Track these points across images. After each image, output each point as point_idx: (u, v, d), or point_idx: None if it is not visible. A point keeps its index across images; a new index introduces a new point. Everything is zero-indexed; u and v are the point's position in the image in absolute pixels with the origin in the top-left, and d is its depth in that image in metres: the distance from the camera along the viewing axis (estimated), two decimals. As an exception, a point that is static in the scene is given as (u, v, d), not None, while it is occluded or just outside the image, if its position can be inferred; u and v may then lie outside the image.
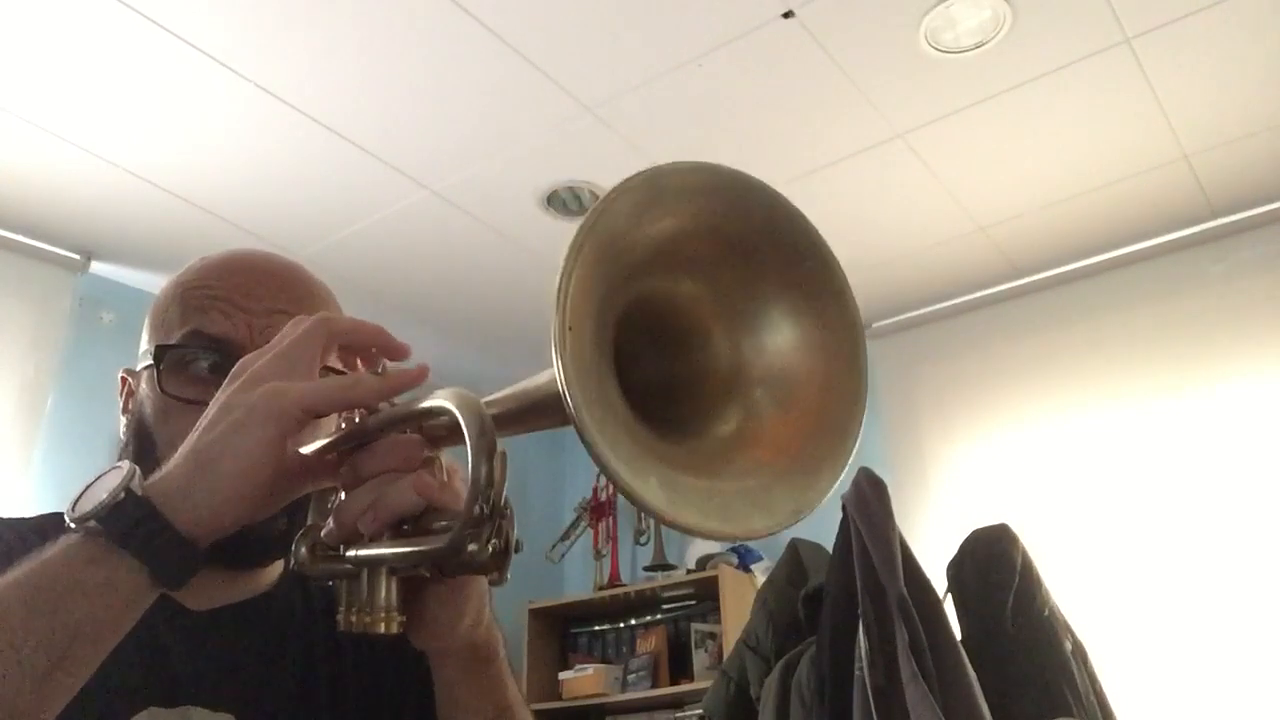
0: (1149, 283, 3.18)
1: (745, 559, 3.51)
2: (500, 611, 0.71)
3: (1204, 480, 2.87)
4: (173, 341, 0.79)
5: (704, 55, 2.34)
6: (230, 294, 0.79)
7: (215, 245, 0.87)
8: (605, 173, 2.76)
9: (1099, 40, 2.32)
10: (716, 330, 0.58)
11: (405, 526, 0.59)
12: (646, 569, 3.77)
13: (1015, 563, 1.85)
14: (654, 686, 3.42)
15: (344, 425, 0.63)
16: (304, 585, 0.85)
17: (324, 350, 0.62)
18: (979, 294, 3.45)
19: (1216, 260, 3.08)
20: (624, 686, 3.49)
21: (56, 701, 0.52)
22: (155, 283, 3.16)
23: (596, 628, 3.79)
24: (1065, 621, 1.87)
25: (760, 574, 3.31)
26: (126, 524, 0.54)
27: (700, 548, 3.61)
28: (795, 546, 2.19)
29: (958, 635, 1.74)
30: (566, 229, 2.98)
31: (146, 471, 0.58)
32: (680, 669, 3.46)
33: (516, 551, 0.56)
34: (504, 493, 0.54)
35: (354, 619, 0.60)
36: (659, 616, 3.63)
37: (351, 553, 0.60)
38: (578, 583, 4.05)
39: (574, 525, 4.01)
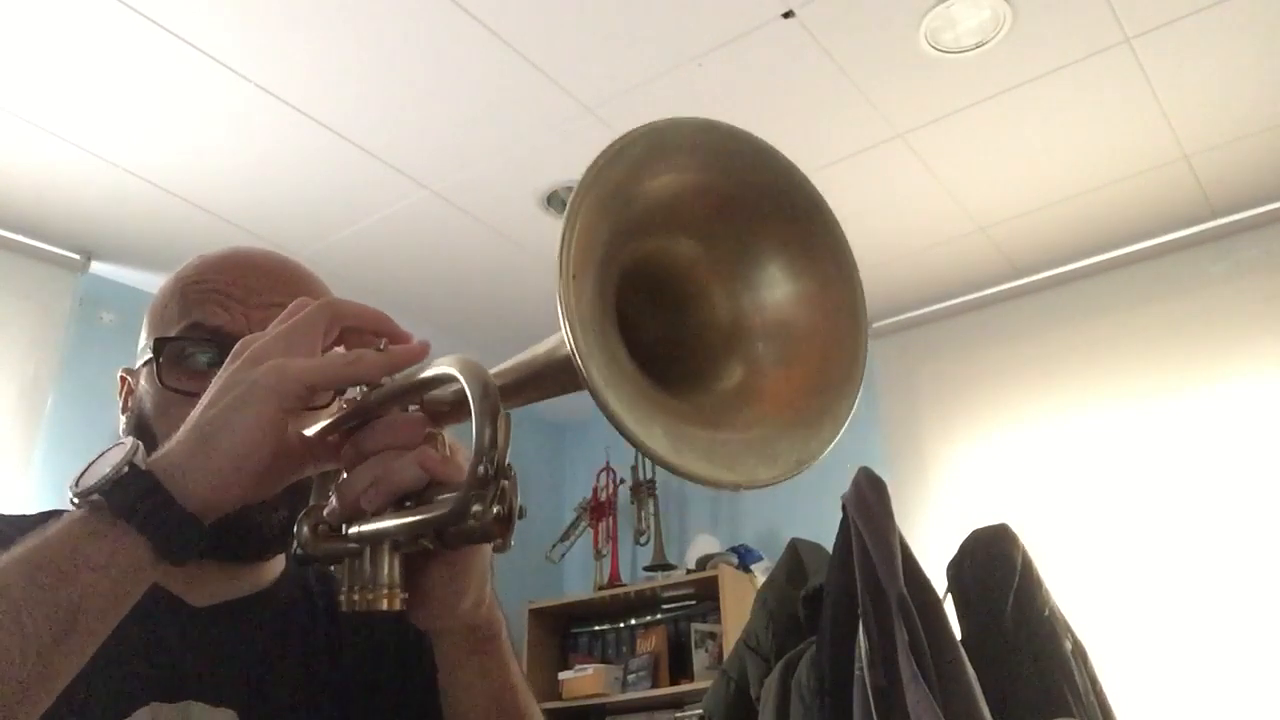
0: (1149, 283, 3.18)
1: (745, 559, 3.51)
2: (499, 609, 0.71)
3: (1204, 480, 2.87)
4: (172, 334, 0.79)
5: (704, 55, 2.34)
6: (229, 288, 0.80)
7: (215, 245, 0.87)
8: (605, 173, 2.76)
9: (1099, 40, 2.32)
10: (716, 287, 0.58)
11: (408, 503, 0.59)
12: (646, 569, 3.77)
13: (1015, 563, 1.85)
14: (654, 686, 3.42)
15: (345, 406, 0.63)
16: (305, 582, 0.85)
17: (326, 331, 0.62)
18: (979, 294, 3.45)
19: (1216, 260, 3.08)
20: (624, 686, 3.49)
21: (60, 676, 0.52)
22: (155, 283, 3.14)
23: (596, 628, 3.79)
24: (1065, 621, 1.87)
25: (760, 574, 3.31)
26: (130, 498, 0.54)
27: (700, 548, 3.62)
28: (795, 546, 2.19)
29: (958, 635, 1.74)
30: (566, 229, 2.98)
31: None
32: (680, 669, 3.46)
33: (520, 517, 0.56)
34: (507, 456, 0.54)
35: (356, 597, 0.59)
36: (659, 616, 3.63)
37: (354, 530, 0.60)
38: (578, 583, 4.05)
39: (574, 525, 4.01)
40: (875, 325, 3.55)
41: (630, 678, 3.49)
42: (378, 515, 0.59)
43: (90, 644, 0.54)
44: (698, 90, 2.45)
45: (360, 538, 0.60)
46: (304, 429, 0.63)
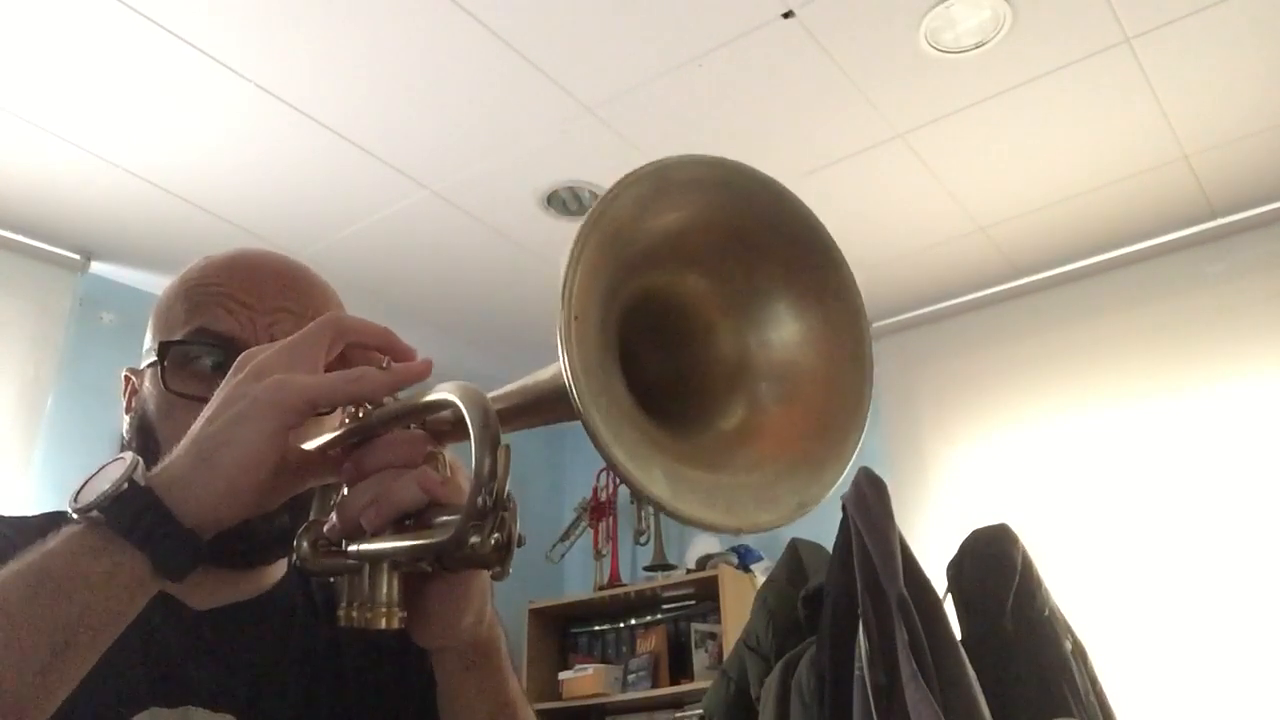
0: (1149, 283, 3.18)
1: (745, 559, 3.51)
2: (500, 611, 0.71)
3: (1204, 480, 2.87)
4: (177, 338, 0.79)
5: (704, 55, 2.34)
6: (235, 292, 0.80)
7: (215, 245, 0.87)
8: (605, 173, 2.76)
9: (1099, 40, 2.32)
10: (721, 325, 0.58)
11: (407, 522, 0.59)
12: (646, 569, 3.77)
13: (1015, 562, 1.85)
14: (654, 686, 3.42)
15: (348, 421, 0.63)
16: (305, 585, 0.85)
17: (330, 347, 0.62)
18: (979, 294, 3.45)
19: (1216, 260, 3.08)
20: (624, 686, 3.49)
21: (57, 692, 0.52)
22: (155, 283, 3.17)
23: (596, 628, 3.79)
24: (1065, 621, 1.87)
25: (760, 574, 3.31)
26: (129, 514, 0.54)
27: (700, 547, 3.62)
28: (795, 546, 2.19)
29: (958, 635, 1.74)
30: (566, 229, 2.98)
31: (150, 467, 0.57)
32: (680, 669, 3.46)
33: (519, 546, 0.56)
34: (507, 486, 0.54)
35: (355, 614, 0.59)
36: (659, 616, 3.63)
37: (354, 548, 0.60)
38: (578, 583, 4.05)
39: (574, 525, 4.01)
40: (875, 325, 3.55)
41: (630, 678, 3.49)
42: (377, 535, 0.59)
43: (88, 659, 0.53)
44: (698, 90, 2.45)
45: (359, 556, 0.60)
46: (305, 443, 0.63)
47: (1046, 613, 1.82)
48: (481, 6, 2.17)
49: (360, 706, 0.80)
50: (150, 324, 0.84)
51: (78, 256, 3.01)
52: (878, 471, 1.82)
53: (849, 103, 2.51)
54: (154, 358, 0.79)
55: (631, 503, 3.88)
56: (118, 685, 0.68)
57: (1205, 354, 3.00)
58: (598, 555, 3.90)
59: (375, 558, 0.60)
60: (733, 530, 0.51)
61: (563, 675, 3.61)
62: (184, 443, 0.58)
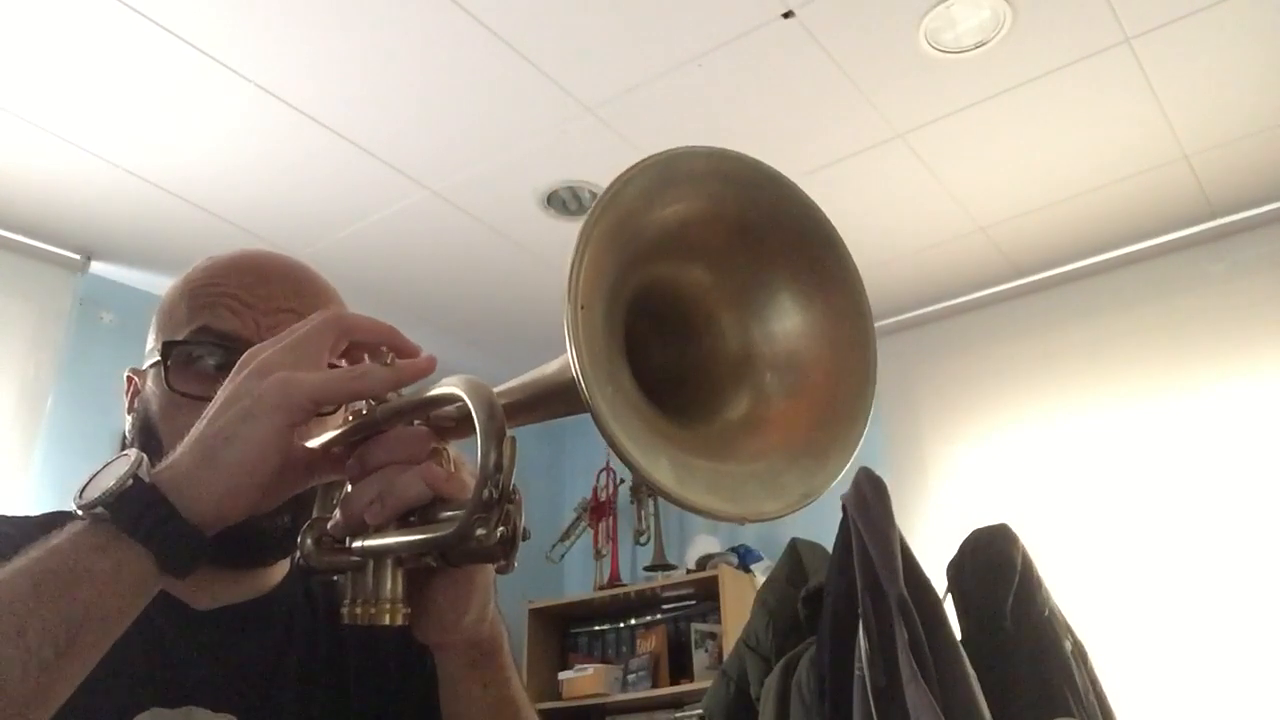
0: (1149, 283, 3.18)
1: (745, 559, 3.51)
2: (500, 611, 0.71)
3: (1204, 480, 2.87)
4: (180, 338, 0.79)
5: (704, 55, 2.34)
6: (238, 292, 0.80)
7: (215, 245, 0.87)
8: (605, 173, 2.75)
9: (1099, 40, 2.32)
10: (726, 316, 0.58)
11: (412, 518, 0.59)
12: (646, 569, 3.77)
13: (1015, 563, 1.85)
14: (654, 686, 3.42)
15: (351, 419, 0.63)
16: (308, 585, 0.85)
17: (334, 344, 0.62)
18: (979, 294, 3.45)
19: (1216, 260, 3.08)
20: (624, 686, 3.49)
21: (62, 688, 0.52)
22: (155, 283, 3.17)
23: (596, 628, 3.79)
24: (1065, 621, 1.88)
25: (760, 574, 3.31)
26: (134, 511, 0.54)
27: (700, 548, 3.61)
28: (795, 546, 2.19)
29: (958, 635, 1.74)
30: (566, 229, 2.98)
31: (153, 466, 0.57)
32: (680, 669, 3.46)
33: (524, 539, 0.56)
34: (513, 479, 0.54)
35: (359, 611, 0.59)
36: (659, 616, 3.63)
37: (358, 544, 0.60)
38: (578, 583, 4.05)
39: (574, 525, 4.01)
40: (875, 325, 3.53)
41: (630, 678, 3.49)
42: (381, 530, 0.59)
43: (93, 656, 0.53)
44: (698, 90, 2.45)
45: (364, 552, 0.60)
46: (309, 440, 0.63)
47: (1046, 613, 1.82)
48: (481, 6, 2.17)
49: (362, 706, 0.80)
50: (153, 324, 0.84)
51: (78, 256, 3.00)
52: (878, 471, 1.82)
53: (849, 103, 2.51)
54: (157, 357, 0.79)
55: (632, 503, 3.88)
56: (119, 685, 0.68)
57: (1205, 354, 3.00)
58: (598, 555, 3.89)
59: (379, 553, 0.60)
60: (738, 519, 0.51)
61: (563, 675, 3.61)
62: (188, 440, 0.58)
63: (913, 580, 1.70)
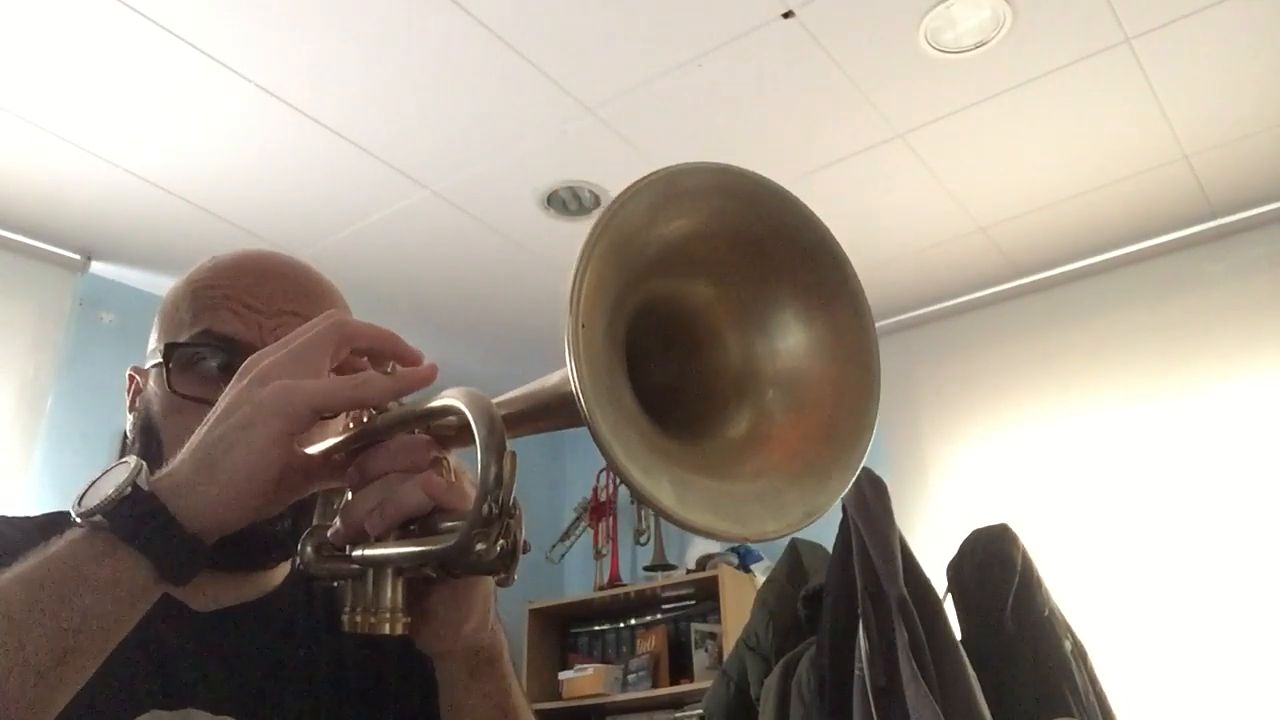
0: (1149, 283, 3.18)
1: (745, 559, 3.51)
2: (500, 612, 0.71)
3: (1204, 480, 2.87)
4: (183, 340, 0.79)
5: (704, 55, 2.34)
6: (241, 294, 0.79)
7: (215, 245, 0.87)
8: (605, 173, 2.76)
9: (1099, 40, 2.32)
10: (729, 332, 0.58)
11: (412, 527, 0.59)
12: (646, 569, 3.77)
13: (1015, 563, 1.85)
14: (654, 686, 3.42)
15: (352, 425, 0.63)
16: (308, 587, 0.85)
17: (335, 351, 0.61)
18: (979, 294, 3.45)
19: (1216, 260, 3.08)
20: (624, 686, 3.49)
21: (60, 697, 0.52)
22: (155, 283, 3.18)
23: (596, 628, 3.79)
24: (1065, 621, 1.88)
25: (760, 574, 3.31)
26: (132, 519, 0.54)
27: (700, 548, 3.61)
28: (795, 546, 2.19)
29: (958, 635, 1.74)
30: (566, 229, 2.99)
31: (153, 469, 0.57)
32: (680, 669, 3.46)
33: (524, 553, 0.55)
34: (513, 493, 0.54)
35: (358, 619, 0.59)
36: (659, 616, 3.63)
37: (358, 553, 0.60)
38: (578, 583, 4.05)
39: (574, 525, 4.01)
40: (876, 325, 3.54)
41: (630, 678, 3.49)
42: (381, 540, 0.59)
43: (91, 664, 0.53)
44: (698, 90, 2.45)
45: (363, 561, 0.60)
46: (310, 446, 0.63)
47: (1046, 613, 1.82)
48: (481, 6, 2.17)
49: (362, 710, 0.80)
50: (155, 323, 0.84)
51: (78, 256, 3.00)
52: (878, 471, 1.82)
53: (849, 103, 2.51)
54: (159, 358, 0.79)
55: (631, 503, 3.88)
56: (119, 687, 0.68)
57: (1205, 354, 3.00)
58: (598, 555, 3.90)
59: (379, 563, 0.59)
60: (739, 539, 0.51)
61: (563, 675, 3.61)
62: (188, 448, 0.58)
63: (913, 580, 1.70)
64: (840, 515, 1.80)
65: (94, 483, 0.57)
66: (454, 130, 2.58)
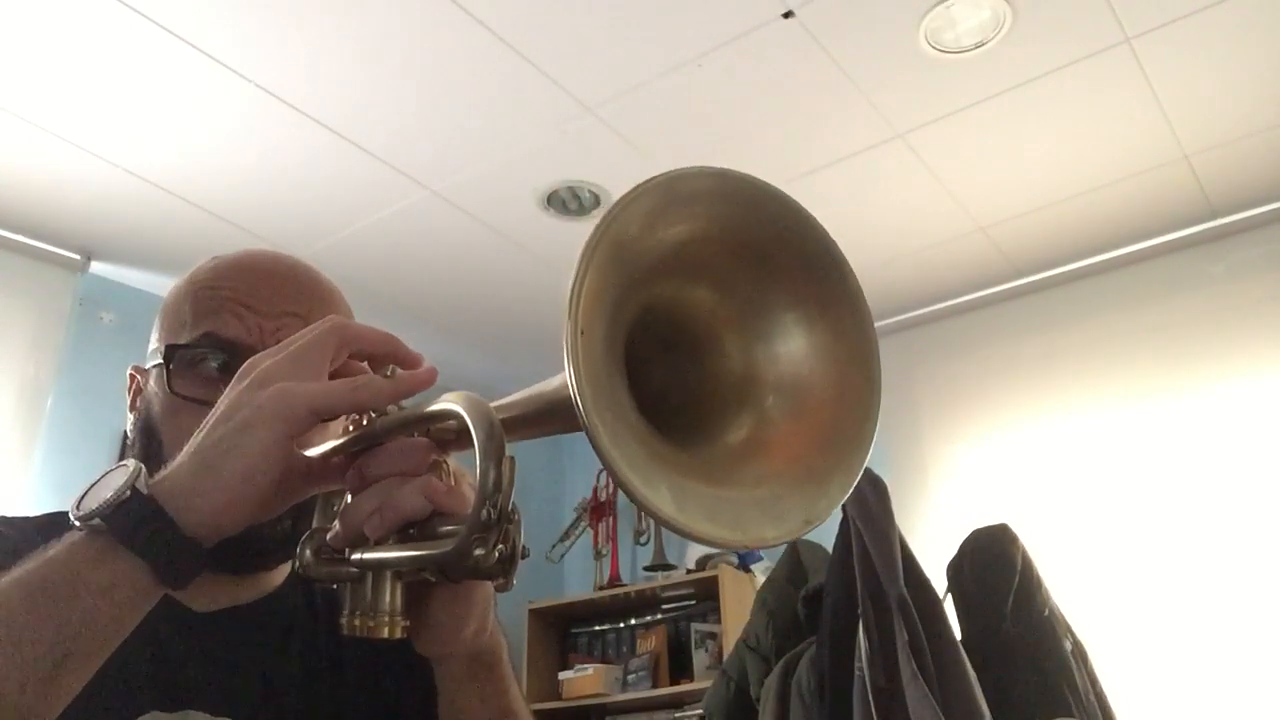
0: (1149, 283, 3.18)
1: (745, 559, 3.51)
2: (500, 611, 0.71)
3: (1204, 480, 2.87)
4: (184, 341, 0.79)
5: (704, 55, 2.34)
6: (242, 295, 0.79)
7: (215, 245, 0.87)
8: (605, 173, 2.76)
9: (1099, 40, 2.32)
10: (729, 337, 0.58)
11: (411, 530, 0.59)
12: (646, 569, 3.77)
13: (1015, 562, 1.85)
14: (654, 686, 3.42)
15: (351, 428, 0.63)
16: (308, 589, 0.85)
17: (335, 354, 0.61)
18: (979, 294, 3.45)
19: (1216, 260, 3.08)
20: (624, 686, 3.49)
21: (59, 701, 0.52)
22: (155, 283, 3.18)
23: (596, 628, 3.79)
24: (1065, 621, 1.87)
25: (760, 574, 3.31)
26: (131, 523, 0.54)
27: (700, 548, 3.61)
28: (795, 546, 2.19)
29: (958, 635, 1.74)
30: (567, 229, 2.99)
31: (152, 470, 0.57)
32: (680, 669, 3.46)
33: (523, 558, 0.55)
34: (512, 498, 0.54)
35: (357, 622, 0.59)
36: (659, 616, 3.63)
37: (357, 556, 0.60)
38: (578, 583, 4.05)
39: (574, 525, 4.01)
40: (876, 325, 3.54)
41: (630, 678, 3.49)
42: (380, 543, 0.59)
43: (90, 668, 0.53)
44: (698, 90, 2.45)
45: (362, 564, 0.60)
46: (309, 449, 0.63)
47: (1046, 613, 1.82)
48: (481, 6, 2.17)
49: (361, 712, 0.80)
50: (156, 323, 0.83)
51: (78, 256, 3.00)
52: (878, 471, 1.82)
53: (849, 103, 2.51)
54: (159, 359, 0.79)
55: (631, 503, 3.88)
56: (117, 689, 0.68)
57: (1205, 354, 3.00)
58: (598, 555, 3.90)
59: (378, 566, 0.59)
60: (739, 547, 0.51)
61: (563, 675, 3.61)
62: (186, 450, 0.58)
63: (913, 580, 1.70)
64: (840, 516, 1.80)
65: (92, 486, 0.56)
66: (454, 130, 2.58)
